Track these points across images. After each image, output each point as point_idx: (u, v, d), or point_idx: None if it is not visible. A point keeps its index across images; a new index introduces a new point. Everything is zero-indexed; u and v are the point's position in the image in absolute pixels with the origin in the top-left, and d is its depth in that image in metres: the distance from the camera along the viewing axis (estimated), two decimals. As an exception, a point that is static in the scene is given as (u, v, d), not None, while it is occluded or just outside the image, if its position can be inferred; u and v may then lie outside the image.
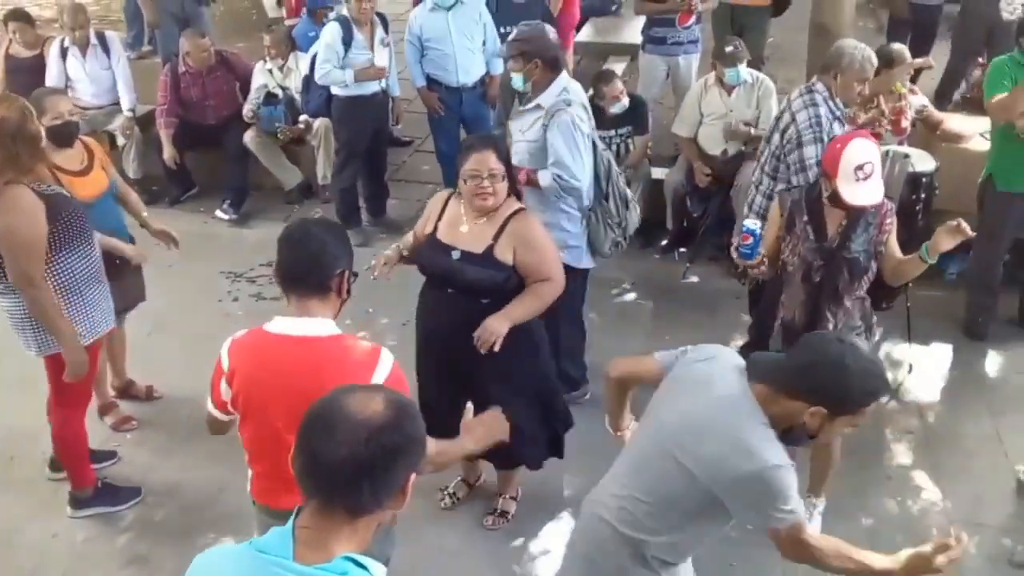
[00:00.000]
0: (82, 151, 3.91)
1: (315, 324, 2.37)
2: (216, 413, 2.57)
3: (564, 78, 3.99)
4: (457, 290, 3.29)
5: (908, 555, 2.26)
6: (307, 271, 2.38)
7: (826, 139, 3.88)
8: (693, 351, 2.48)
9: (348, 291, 2.48)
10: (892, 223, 3.40)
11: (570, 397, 4.14)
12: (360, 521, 1.59)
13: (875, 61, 4.05)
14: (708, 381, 2.36)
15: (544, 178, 3.90)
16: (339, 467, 1.54)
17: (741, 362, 2.40)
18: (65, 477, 3.92)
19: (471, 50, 5.82)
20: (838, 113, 4.03)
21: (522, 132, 4.00)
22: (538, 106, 3.93)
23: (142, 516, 3.89)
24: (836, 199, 3.27)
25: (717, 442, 2.24)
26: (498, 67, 6.00)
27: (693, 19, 6.15)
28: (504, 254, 3.24)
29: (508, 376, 3.37)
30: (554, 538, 3.75)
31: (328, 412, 1.59)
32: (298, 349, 2.34)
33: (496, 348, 3.18)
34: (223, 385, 2.44)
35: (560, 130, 3.84)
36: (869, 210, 3.31)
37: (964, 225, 3.19)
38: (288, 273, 2.41)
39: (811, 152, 3.93)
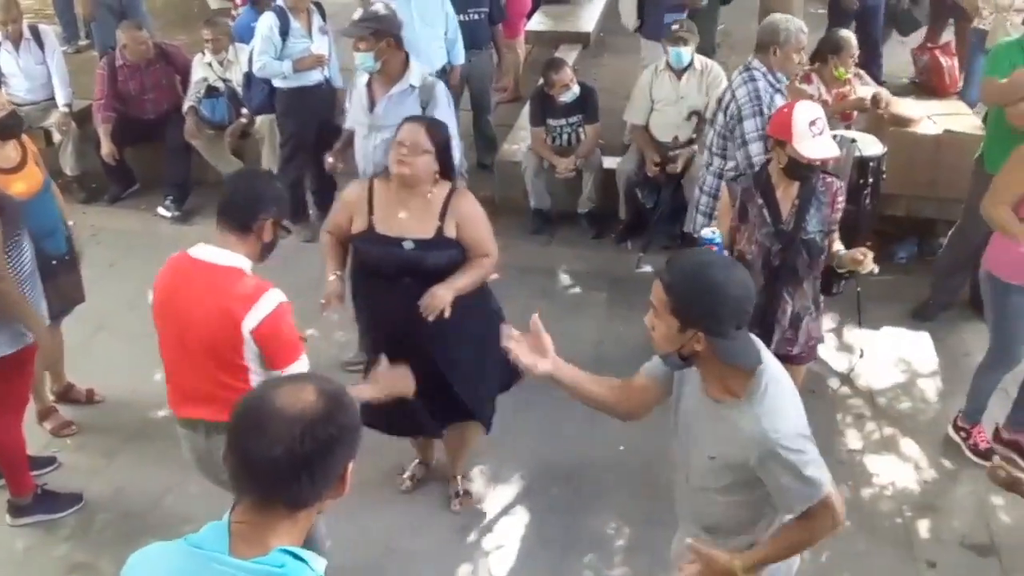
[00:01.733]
0: (16, 147, 3.81)
1: (224, 255, 2.64)
2: None
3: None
4: (414, 278, 3.28)
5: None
6: (233, 209, 2.66)
7: (766, 111, 3.95)
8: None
9: (273, 239, 2.73)
10: (843, 202, 3.42)
11: None
12: (300, 514, 1.57)
13: (806, 30, 4.20)
14: None
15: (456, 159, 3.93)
16: (275, 465, 1.50)
17: None
18: (3, 485, 3.80)
19: (434, 38, 5.72)
20: (778, 86, 4.11)
21: (399, 116, 3.95)
22: (411, 86, 4.03)
23: (84, 522, 3.80)
24: (793, 165, 3.27)
25: None
26: (460, 56, 5.91)
27: (704, 3, 6.13)
28: (451, 232, 3.31)
29: (470, 339, 3.43)
30: (513, 509, 3.81)
31: (257, 409, 1.54)
32: (199, 273, 2.64)
33: (447, 314, 3.24)
34: (150, 294, 2.76)
35: (447, 101, 4.04)
36: (821, 174, 3.32)
37: (869, 259, 3.34)
38: (220, 207, 2.69)
39: (751, 126, 4.00)
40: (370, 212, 3.34)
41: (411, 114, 3.91)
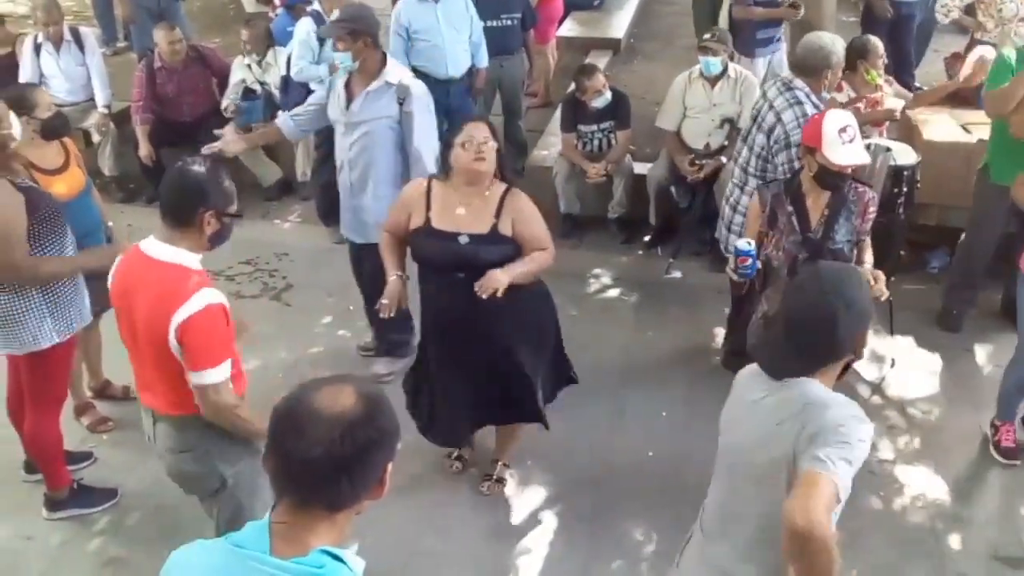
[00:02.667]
0: (59, 148, 3.87)
1: (167, 251, 2.64)
2: None
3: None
4: (468, 273, 3.33)
5: None
6: (172, 204, 2.66)
7: None
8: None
9: (220, 229, 2.69)
10: (874, 212, 3.40)
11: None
12: (339, 515, 1.58)
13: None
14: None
15: (430, 162, 4.00)
16: (314, 467, 1.51)
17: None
18: (40, 479, 3.86)
19: (459, 42, 5.78)
20: (821, 107, 4.04)
21: (376, 113, 4.10)
22: (387, 83, 4.08)
23: (118, 517, 3.85)
24: (824, 172, 3.25)
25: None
26: (484, 60, 5.95)
27: (800, 13, 6.08)
28: (506, 229, 3.37)
29: (524, 334, 3.52)
30: (540, 514, 3.86)
31: (297, 410, 1.55)
32: (145, 267, 2.66)
33: (499, 294, 3.27)
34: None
35: (427, 100, 4.13)
36: (852, 183, 3.30)
37: (880, 284, 3.34)
38: (160, 203, 2.70)
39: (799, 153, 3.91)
40: (427, 208, 3.42)
41: (387, 110, 4.09)
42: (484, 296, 3.27)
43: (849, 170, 3.32)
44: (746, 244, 3.35)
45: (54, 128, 3.78)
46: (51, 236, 3.41)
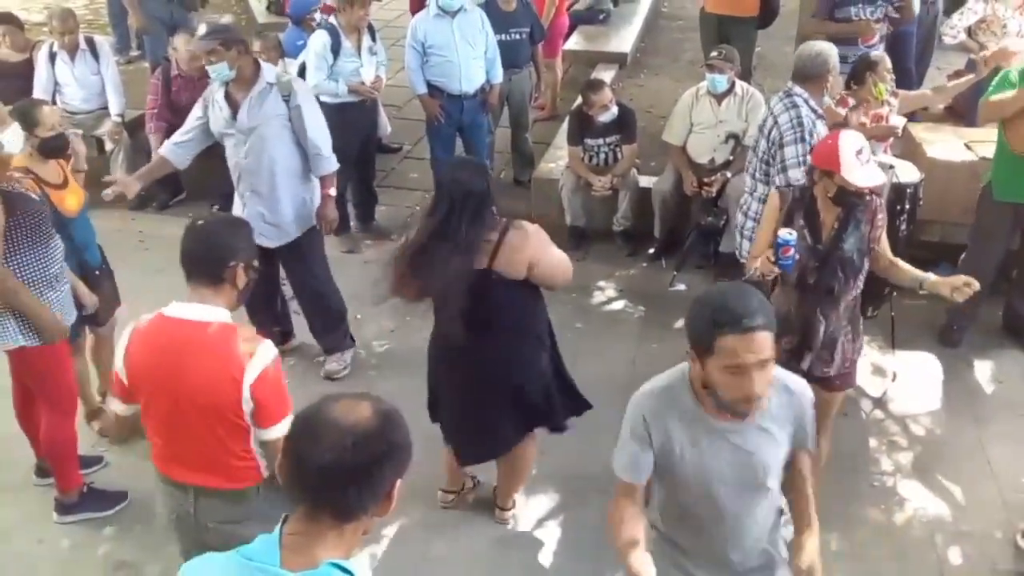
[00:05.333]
0: (56, 165, 3.88)
1: (205, 310, 2.53)
2: (116, 407, 2.72)
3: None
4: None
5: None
6: (200, 262, 2.57)
7: (808, 138, 4.03)
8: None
9: (248, 283, 2.64)
10: (883, 219, 3.43)
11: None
12: (347, 527, 1.62)
13: None
14: None
15: (331, 163, 4.18)
16: (325, 472, 1.57)
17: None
18: (51, 483, 3.90)
19: (474, 58, 5.85)
20: (820, 112, 4.20)
21: (265, 116, 4.19)
22: (269, 84, 4.19)
23: (129, 522, 3.88)
24: (843, 193, 3.29)
25: None
26: (498, 75, 6.02)
27: (876, 38, 5.95)
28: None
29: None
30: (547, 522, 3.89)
31: (314, 419, 1.62)
32: (184, 331, 2.51)
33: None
34: (120, 366, 2.61)
35: (309, 94, 4.19)
36: (866, 198, 3.34)
37: (974, 287, 3.21)
38: (185, 263, 2.59)
39: (792, 152, 4.08)
40: None
41: (276, 110, 4.17)
42: None
43: (867, 190, 3.36)
44: (788, 234, 3.30)
45: (52, 148, 3.76)
46: (30, 240, 3.44)
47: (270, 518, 2.52)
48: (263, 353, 2.49)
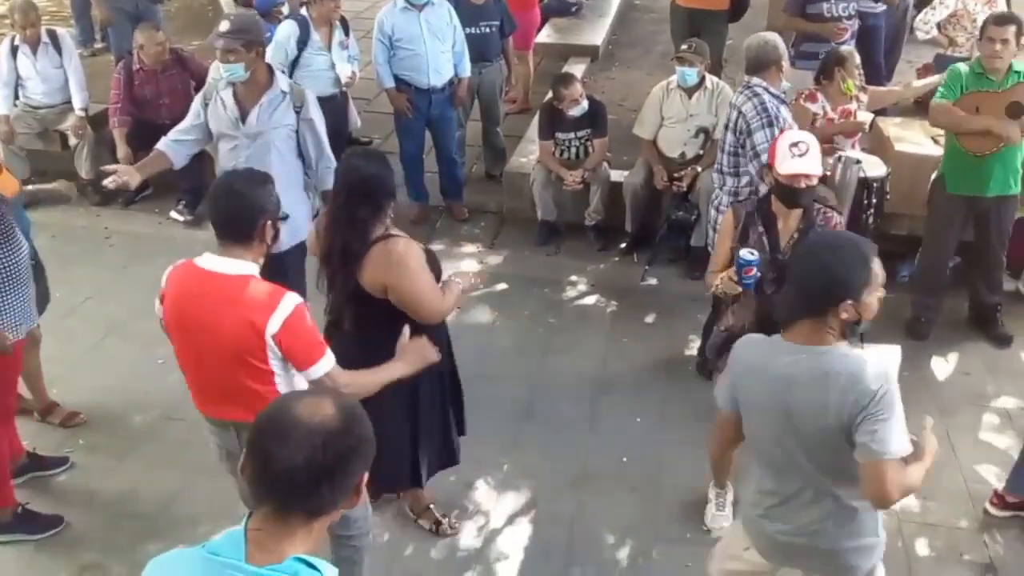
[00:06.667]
0: None
1: (234, 264, 2.66)
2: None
3: None
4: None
5: None
6: (232, 222, 2.68)
7: (775, 123, 4.13)
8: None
9: (276, 235, 2.76)
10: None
11: None
12: (315, 523, 1.61)
13: None
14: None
15: (333, 161, 4.03)
16: (296, 474, 1.55)
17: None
18: (24, 480, 3.83)
19: (442, 51, 5.81)
20: (782, 96, 4.32)
21: (274, 123, 4.10)
22: (283, 92, 4.11)
23: (95, 522, 3.83)
24: (780, 187, 3.41)
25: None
26: (466, 69, 5.99)
27: (848, 35, 6.02)
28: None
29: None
30: (516, 519, 3.83)
31: (278, 419, 1.60)
32: (213, 283, 2.65)
33: None
34: (157, 304, 2.79)
35: (320, 111, 4.15)
36: (820, 208, 3.39)
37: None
38: (215, 224, 2.72)
39: (761, 137, 4.16)
40: None
41: (286, 119, 4.08)
42: None
43: (802, 183, 3.39)
44: (749, 254, 3.36)
45: None
46: None
47: None
48: (285, 304, 2.61)
